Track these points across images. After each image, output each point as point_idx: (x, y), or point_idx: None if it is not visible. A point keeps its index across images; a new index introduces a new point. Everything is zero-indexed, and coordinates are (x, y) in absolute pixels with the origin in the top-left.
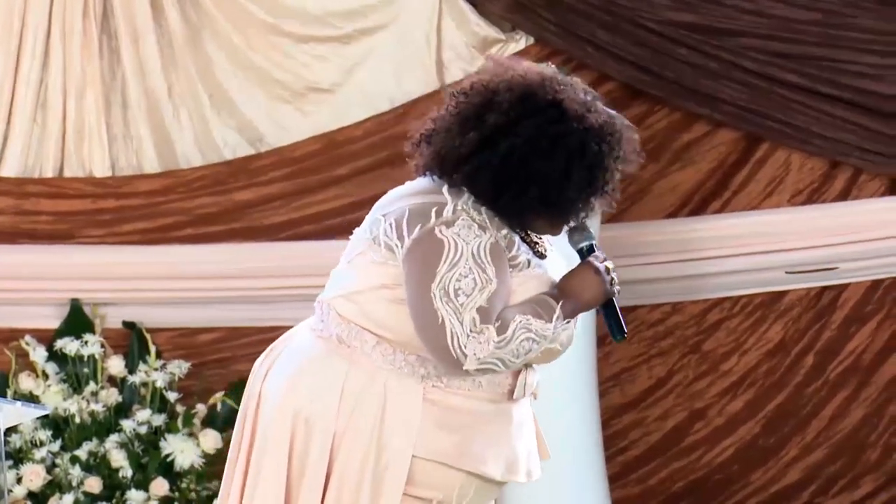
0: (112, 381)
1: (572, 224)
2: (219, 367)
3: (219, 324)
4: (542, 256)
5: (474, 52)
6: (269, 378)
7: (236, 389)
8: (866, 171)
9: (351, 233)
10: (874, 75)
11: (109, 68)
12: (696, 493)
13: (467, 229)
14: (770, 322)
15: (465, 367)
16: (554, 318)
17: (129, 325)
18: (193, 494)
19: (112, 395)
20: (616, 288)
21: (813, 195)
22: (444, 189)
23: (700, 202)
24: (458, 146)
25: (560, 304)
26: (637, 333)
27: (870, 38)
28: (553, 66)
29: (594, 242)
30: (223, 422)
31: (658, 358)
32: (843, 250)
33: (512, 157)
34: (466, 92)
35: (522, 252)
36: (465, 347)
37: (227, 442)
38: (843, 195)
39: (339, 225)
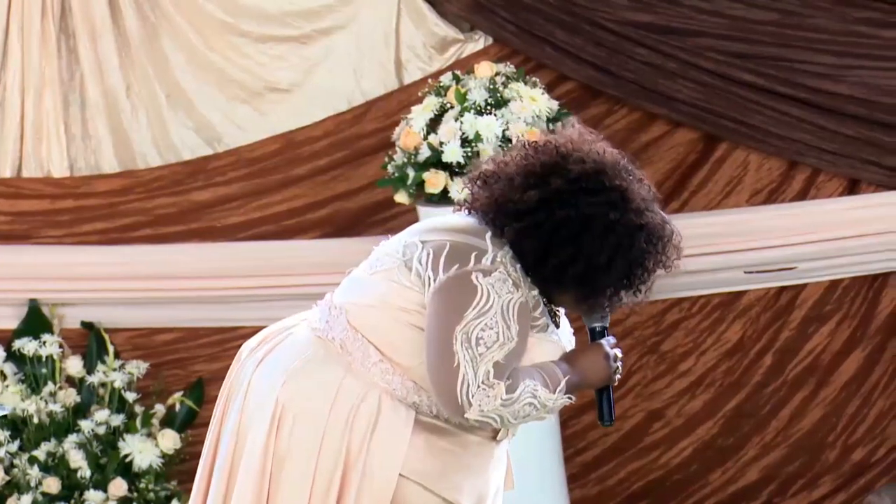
0: (70, 381)
1: (594, 310)
2: (177, 367)
3: (177, 324)
4: (557, 325)
5: (433, 51)
6: (260, 369)
7: (195, 390)
8: (824, 171)
9: (306, 232)
10: (831, 75)
11: (67, 68)
12: (655, 493)
13: (502, 283)
14: (728, 322)
15: (466, 415)
16: (557, 391)
17: (88, 326)
18: (152, 495)
19: (70, 396)
20: (617, 377)
21: (771, 195)
22: (487, 236)
23: (659, 202)
24: (517, 200)
25: (567, 378)
26: None
27: (827, 39)
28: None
29: (607, 326)
30: (182, 422)
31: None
32: (802, 250)
33: (564, 229)
34: (539, 148)
35: (543, 316)
36: (473, 397)
37: (185, 442)
38: (802, 195)
39: (297, 225)
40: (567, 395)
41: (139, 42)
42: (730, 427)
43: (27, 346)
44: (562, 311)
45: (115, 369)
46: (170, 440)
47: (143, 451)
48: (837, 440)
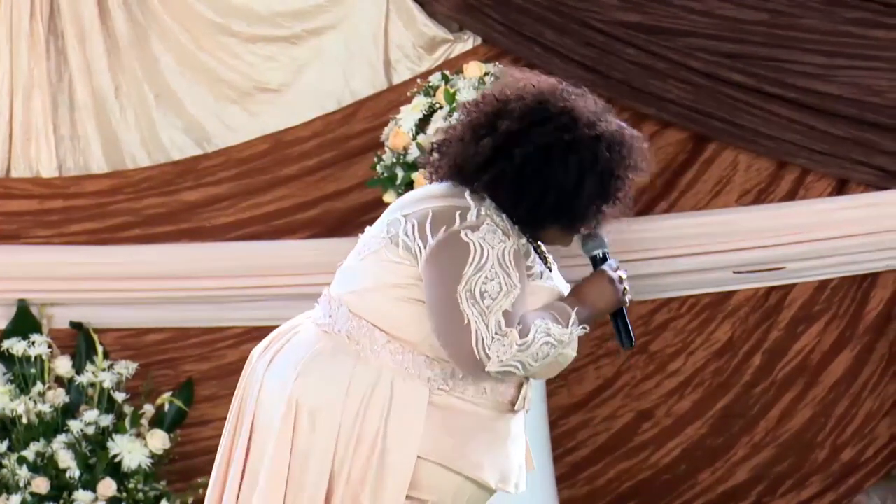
0: (59, 381)
1: (584, 232)
2: (166, 367)
3: (166, 324)
4: (549, 269)
5: (422, 51)
6: (271, 370)
7: (184, 390)
8: (813, 171)
9: (296, 232)
10: (821, 76)
11: (56, 69)
12: (644, 493)
13: (492, 234)
14: (718, 322)
15: (486, 369)
16: (570, 324)
17: (77, 326)
18: (141, 495)
19: (59, 396)
20: (628, 297)
21: (760, 195)
22: (467, 194)
23: (648, 202)
24: (473, 154)
25: (575, 310)
26: (584, 335)
27: (817, 39)
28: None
29: (607, 251)
30: (171, 422)
31: (606, 358)
32: (791, 250)
33: (527, 167)
34: (478, 102)
35: (536, 263)
36: (489, 349)
37: (174, 442)
38: (791, 195)
39: (286, 225)
40: (581, 326)
41: (128, 43)
42: (719, 427)
43: (16, 346)
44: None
45: (104, 369)
46: (159, 440)
47: (132, 451)
48: (826, 440)
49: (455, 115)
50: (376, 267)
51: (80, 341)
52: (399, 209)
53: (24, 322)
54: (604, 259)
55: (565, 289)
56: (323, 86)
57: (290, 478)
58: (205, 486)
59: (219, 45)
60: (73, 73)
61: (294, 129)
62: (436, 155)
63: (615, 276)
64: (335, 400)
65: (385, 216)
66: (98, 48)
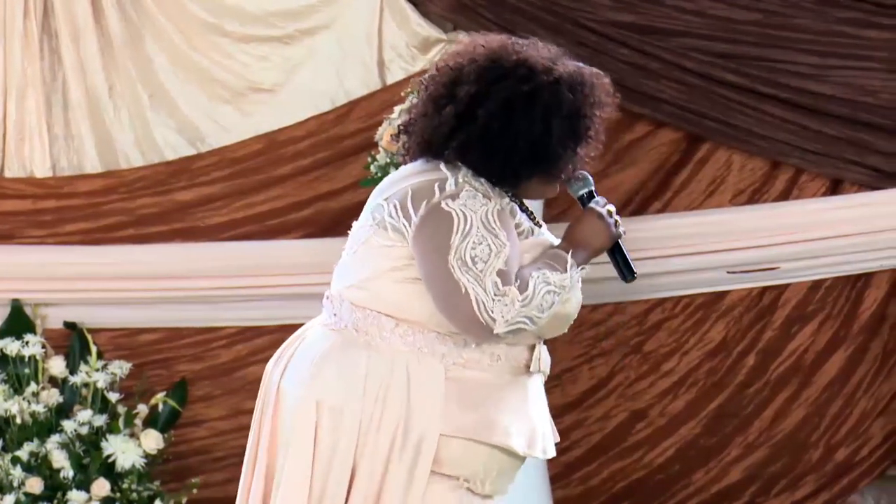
0: (53, 381)
1: (565, 177)
2: (160, 367)
3: (160, 324)
4: (538, 225)
5: (415, 51)
6: (286, 376)
7: (178, 390)
8: (807, 171)
9: (289, 232)
10: (814, 75)
11: (50, 68)
12: (638, 493)
13: (473, 199)
14: (711, 322)
15: (495, 332)
16: (569, 268)
17: (71, 326)
18: (135, 495)
19: (53, 396)
20: (622, 230)
21: (754, 195)
22: (442, 166)
23: (641, 202)
24: (438, 125)
25: (571, 252)
26: (578, 334)
27: (810, 39)
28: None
29: (593, 188)
30: (165, 422)
31: (600, 358)
32: (785, 250)
33: (492, 124)
34: (433, 75)
35: (524, 220)
36: (493, 312)
37: (168, 442)
38: (785, 195)
39: (280, 225)
40: (580, 268)
41: (122, 42)
42: (713, 427)
43: (10, 346)
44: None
45: (97, 369)
46: (153, 440)
47: (125, 451)
48: (820, 440)
49: (412, 95)
50: (370, 255)
51: (73, 341)
52: (379, 194)
53: (18, 322)
54: (591, 197)
55: (557, 241)
56: (316, 86)
57: (314, 479)
58: (198, 486)
59: (212, 45)
60: (67, 72)
61: (288, 128)
62: (404, 137)
63: (604, 211)
64: (354, 394)
65: (367, 205)
66: (92, 48)
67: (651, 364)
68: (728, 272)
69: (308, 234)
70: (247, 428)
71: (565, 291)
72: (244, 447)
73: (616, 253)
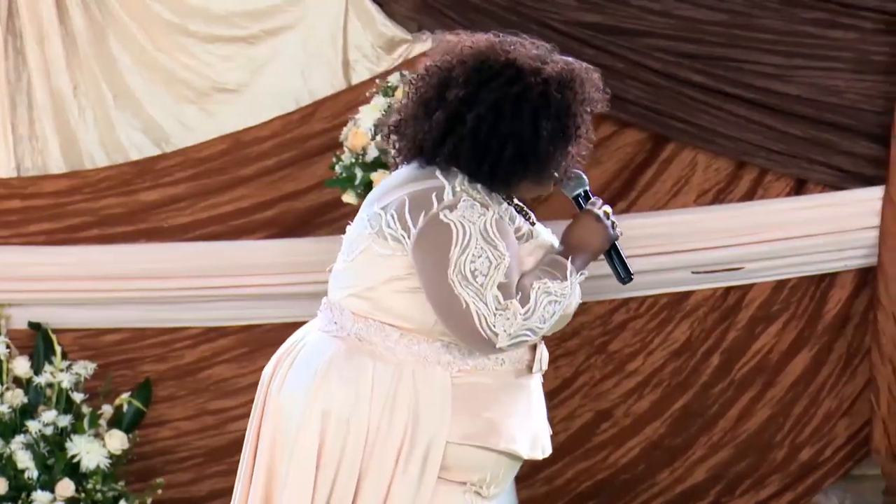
0: (18, 382)
1: (556, 176)
2: (125, 367)
3: (125, 324)
4: (533, 224)
5: (380, 51)
6: (286, 387)
7: (142, 390)
8: (772, 171)
9: (254, 233)
10: (779, 76)
11: (15, 69)
12: (603, 493)
13: (470, 209)
14: (676, 322)
15: (498, 346)
16: (568, 275)
17: (35, 326)
18: (99, 495)
19: (18, 396)
20: (618, 231)
21: (719, 195)
22: (437, 173)
23: (606, 202)
24: (429, 130)
25: (570, 258)
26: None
27: (774, 39)
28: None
29: (588, 189)
30: (129, 422)
31: (564, 358)
32: (749, 250)
33: (481, 127)
34: (423, 76)
35: (523, 223)
36: (495, 326)
37: (132, 442)
38: (749, 195)
39: (244, 225)
40: (580, 273)
41: (86, 43)
42: (677, 427)
43: None
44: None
45: (62, 370)
46: (117, 441)
47: (90, 451)
48: (785, 440)
49: (400, 92)
50: (370, 264)
51: (38, 342)
52: (375, 202)
53: None
54: (587, 197)
55: (555, 239)
56: (281, 86)
57: (320, 487)
58: (162, 487)
59: (176, 46)
60: (32, 72)
61: (252, 129)
62: (394, 137)
63: (600, 212)
64: (362, 403)
65: (363, 212)
66: (56, 48)
67: (616, 364)
68: (693, 272)
69: (273, 234)
70: (211, 428)
71: (566, 299)
72: (208, 447)
73: (613, 254)
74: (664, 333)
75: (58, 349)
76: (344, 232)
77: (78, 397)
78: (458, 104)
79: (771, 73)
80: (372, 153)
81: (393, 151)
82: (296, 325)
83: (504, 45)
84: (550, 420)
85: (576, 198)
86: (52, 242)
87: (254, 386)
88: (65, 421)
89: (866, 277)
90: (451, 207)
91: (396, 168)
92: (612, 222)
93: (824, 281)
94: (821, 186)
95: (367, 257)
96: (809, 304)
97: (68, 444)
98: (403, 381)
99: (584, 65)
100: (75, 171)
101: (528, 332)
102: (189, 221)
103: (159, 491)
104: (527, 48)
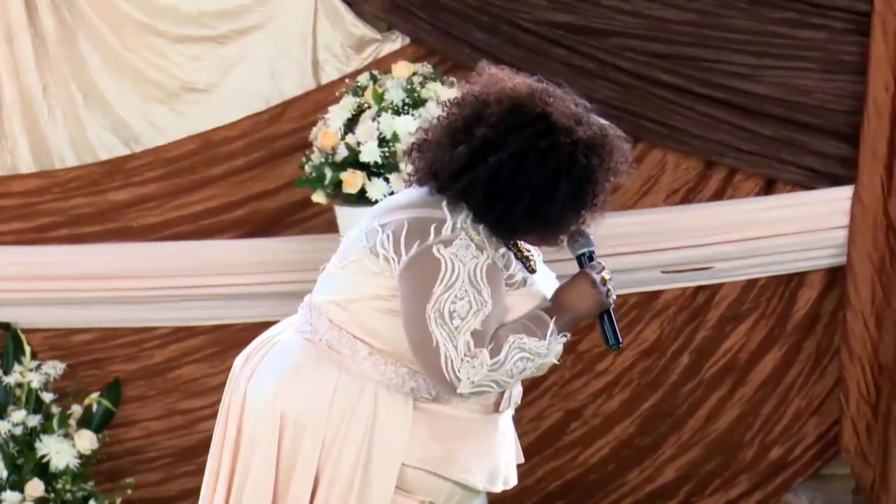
0: None
1: (562, 238)
2: (94, 367)
3: (94, 324)
4: (532, 271)
5: (350, 51)
6: (254, 380)
7: (112, 390)
8: (741, 170)
9: (224, 232)
10: (749, 75)
11: None
12: (572, 492)
13: (465, 249)
14: (645, 322)
15: (458, 391)
16: (548, 335)
17: (4, 326)
18: (69, 495)
19: None
20: (612, 298)
21: (688, 195)
22: (444, 204)
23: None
24: (449, 161)
25: (554, 318)
26: None
27: (744, 39)
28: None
29: (593, 250)
30: (99, 422)
31: None
32: (719, 250)
33: (500, 172)
34: (459, 103)
35: (519, 271)
36: (459, 371)
37: (102, 442)
38: (719, 195)
39: (214, 225)
40: (561, 335)
41: (56, 42)
42: (647, 426)
43: None
44: (535, 251)
45: (31, 370)
46: (87, 441)
47: (59, 451)
48: (754, 439)
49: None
50: (358, 277)
51: (7, 341)
52: (377, 217)
53: None
54: (590, 258)
55: (551, 286)
56: (251, 86)
57: (277, 490)
58: (132, 487)
59: (146, 45)
60: (1, 72)
61: (222, 129)
62: (416, 154)
63: (598, 277)
64: (320, 411)
65: (364, 223)
66: (26, 47)
67: (585, 364)
68: (662, 272)
69: (242, 234)
70: (180, 428)
71: (540, 358)
72: (178, 447)
73: (604, 319)
74: (634, 333)
75: (27, 349)
76: (310, 232)
77: (47, 397)
78: (483, 143)
79: (741, 73)
80: (341, 153)
81: (410, 168)
82: (266, 325)
83: (544, 96)
84: (520, 420)
85: (579, 256)
86: (21, 242)
87: (224, 386)
88: (34, 421)
89: (835, 277)
90: (447, 243)
91: (409, 186)
92: (608, 290)
93: (794, 280)
94: (790, 186)
95: (357, 269)
96: (779, 304)
97: (38, 444)
98: (364, 397)
99: (618, 132)
100: (45, 171)
101: (491, 384)
102: (159, 221)
103: (129, 491)
104: (566, 103)
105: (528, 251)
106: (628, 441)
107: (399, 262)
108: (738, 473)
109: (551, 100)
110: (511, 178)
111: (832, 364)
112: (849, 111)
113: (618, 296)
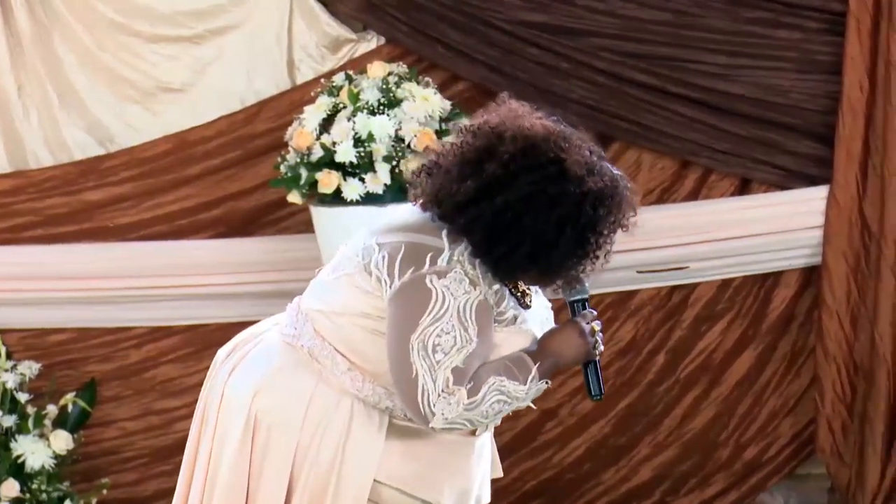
0: None
1: (558, 284)
2: (69, 367)
3: (69, 324)
4: (527, 307)
5: (325, 51)
6: (234, 377)
7: (87, 390)
8: (716, 170)
9: (199, 232)
10: (724, 75)
11: None
12: (548, 492)
13: (458, 283)
14: (621, 321)
15: (431, 425)
16: (528, 380)
17: None
18: (45, 496)
19: None
20: (599, 350)
21: (663, 195)
22: (444, 233)
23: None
24: (455, 193)
25: (538, 364)
26: None
27: (719, 39)
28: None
29: (587, 298)
30: (74, 423)
31: None
32: (694, 250)
33: (506, 214)
34: (474, 132)
35: (510, 308)
36: (434, 406)
37: (78, 443)
38: (694, 195)
39: (190, 225)
40: (543, 381)
41: (31, 42)
42: (622, 426)
43: None
44: (535, 289)
45: (6, 370)
46: (62, 441)
47: (35, 451)
48: (729, 439)
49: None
50: (348, 291)
51: None
52: (376, 234)
53: None
54: (583, 306)
55: (545, 318)
56: (226, 86)
57: (249, 493)
58: (108, 487)
59: (121, 45)
60: None
61: (197, 128)
62: (424, 177)
63: (587, 327)
64: (294, 417)
65: (363, 237)
66: (0, 48)
67: None
68: (637, 272)
69: (218, 233)
70: (156, 428)
71: (518, 402)
72: (154, 447)
73: (588, 369)
74: (609, 332)
75: (2, 349)
76: (286, 232)
77: (23, 397)
78: (492, 180)
79: (715, 73)
80: (317, 153)
81: (417, 189)
82: (241, 325)
83: (559, 140)
84: None
85: (572, 303)
86: None
87: (199, 385)
88: (9, 421)
89: (810, 277)
90: (441, 275)
91: (415, 202)
92: (596, 341)
93: (769, 280)
94: (765, 186)
95: (349, 283)
96: (754, 304)
97: (13, 445)
98: (340, 409)
99: (629, 185)
100: (19, 171)
101: (464, 423)
102: (134, 221)
103: (105, 491)
104: (581, 150)
105: (526, 288)
106: (604, 441)
107: (391, 286)
108: (713, 473)
109: (566, 145)
110: (515, 221)
111: (807, 364)
112: (823, 111)
113: (593, 295)
